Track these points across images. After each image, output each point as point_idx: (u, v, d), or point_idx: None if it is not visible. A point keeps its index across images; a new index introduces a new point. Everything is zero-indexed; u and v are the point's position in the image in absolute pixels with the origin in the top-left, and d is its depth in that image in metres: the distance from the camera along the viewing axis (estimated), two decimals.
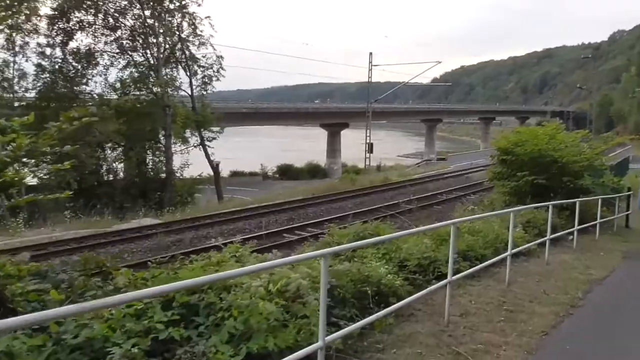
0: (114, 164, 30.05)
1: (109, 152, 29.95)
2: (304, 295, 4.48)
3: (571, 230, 10.91)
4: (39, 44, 27.52)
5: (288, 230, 15.72)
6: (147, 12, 29.44)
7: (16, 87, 27.52)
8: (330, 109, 67.12)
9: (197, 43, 30.77)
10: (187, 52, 30.78)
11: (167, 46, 30.25)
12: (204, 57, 31.29)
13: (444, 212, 17.88)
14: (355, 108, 60.91)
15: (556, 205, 10.64)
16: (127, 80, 29.80)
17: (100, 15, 28.95)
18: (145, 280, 4.41)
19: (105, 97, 29.19)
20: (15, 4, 23.66)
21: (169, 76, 30.49)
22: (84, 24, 28.62)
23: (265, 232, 14.88)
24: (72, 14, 28.16)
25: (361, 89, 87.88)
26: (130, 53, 30.22)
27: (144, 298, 3.51)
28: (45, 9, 27.10)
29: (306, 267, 5.00)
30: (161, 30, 29.53)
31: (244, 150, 69.00)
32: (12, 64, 27.05)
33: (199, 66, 31.37)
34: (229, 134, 42.16)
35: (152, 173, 30.33)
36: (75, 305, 2.57)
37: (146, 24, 29.42)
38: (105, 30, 29.35)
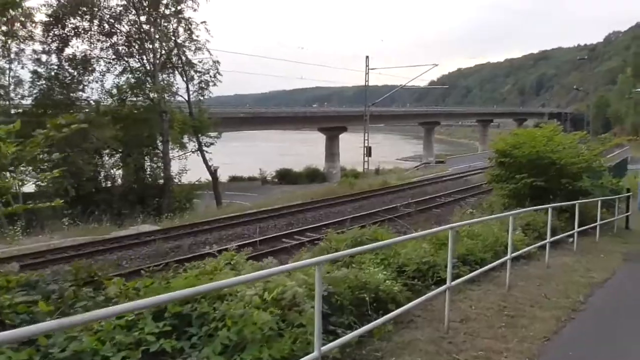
0: (111, 171, 29.97)
1: (107, 158, 29.92)
2: (300, 303, 4.38)
3: (571, 232, 10.83)
4: (34, 51, 27.48)
5: (287, 235, 15.65)
6: (143, 18, 29.43)
7: (12, 95, 27.41)
8: (328, 113, 67.08)
9: (193, 48, 30.79)
10: (183, 58, 30.75)
11: (164, 52, 30.20)
12: (200, 62, 31.33)
13: (443, 216, 17.80)
14: (353, 112, 60.87)
15: (555, 207, 10.58)
16: (124, 87, 29.76)
17: (96, 22, 28.88)
18: (137, 290, 4.31)
19: (102, 104, 29.13)
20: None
21: (165, 82, 30.42)
22: (80, 30, 28.54)
23: (259, 238, 14.78)
24: (68, 20, 28.09)
25: (359, 92, 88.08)
26: (126, 59, 30.14)
27: (134, 310, 3.41)
28: (40, 16, 27.09)
29: (303, 274, 4.91)
30: (157, 36, 29.47)
31: (242, 155, 68.95)
32: (7, 71, 26.95)
33: (196, 71, 31.37)
34: (226, 139, 42.18)
35: (150, 179, 30.26)
36: (64, 319, 2.50)
37: (142, 30, 29.36)
38: (101, 36, 29.27)
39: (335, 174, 51.62)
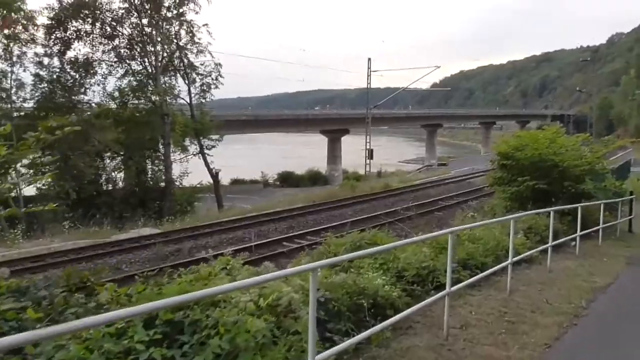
0: (113, 174, 29.95)
1: (108, 161, 29.92)
2: (296, 309, 4.30)
3: (573, 236, 10.69)
4: (36, 54, 27.50)
5: (287, 238, 15.57)
6: (145, 21, 29.45)
7: (14, 98, 27.42)
8: (330, 115, 67.10)
9: (195, 51, 30.84)
10: (185, 60, 30.77)
11: (165, 54, 30.24)
12: (202, 64, 31.35)
13: (445, 219, 17.70)
14: (355, 114, 60.85)
15: (558, 210, 10.46)
16: (126, 89, 29.76)
17: (98, 24, 28.91)
18: (129, 296, 4.23)
19: (105, 107, 29.14)
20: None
21: (167, 84, 30.46)
22: (82, 33, 28.59)
23: (256, 242, 14.70)
24: (70, 23, 28.14)
25: (361, 95, 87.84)
26: (128, 62, 30.18)
27: (124, 318, 3.32)
28: (42, 19, 27.15)
29: (300, 279, 4.81)
30: (159, 39, 29.51)
31: (244, 157, 68.90)
32: (9, 74, 26.95)
33: (198, 74, 31.37)
34: (228, 141, 42.11)
35: (151, 182, 30.21)
36: (52, 327, 2.44)
37: (144, 33, 29.39)
38: (102, 39, 29.33)
39: (337, 176, 51.57)
